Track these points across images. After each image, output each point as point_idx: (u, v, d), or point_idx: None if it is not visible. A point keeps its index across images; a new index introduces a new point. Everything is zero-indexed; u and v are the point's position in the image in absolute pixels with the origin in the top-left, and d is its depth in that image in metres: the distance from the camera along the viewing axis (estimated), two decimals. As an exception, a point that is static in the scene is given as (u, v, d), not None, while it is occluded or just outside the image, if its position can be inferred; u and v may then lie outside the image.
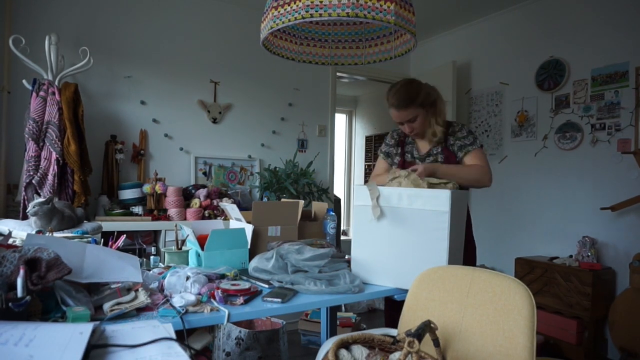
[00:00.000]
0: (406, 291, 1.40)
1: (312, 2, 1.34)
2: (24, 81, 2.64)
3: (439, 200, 1.37)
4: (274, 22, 1.45)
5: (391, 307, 2.02)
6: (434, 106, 1.84)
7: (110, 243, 1.52)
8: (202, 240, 1.56)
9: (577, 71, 3.11)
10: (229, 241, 1.57)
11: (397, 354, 1.06)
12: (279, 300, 1.23)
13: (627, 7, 2.83)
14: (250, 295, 1.25)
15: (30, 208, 1.74)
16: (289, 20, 1.40)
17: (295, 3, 1.38)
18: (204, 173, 3.48)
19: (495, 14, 3.72)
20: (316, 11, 1.35)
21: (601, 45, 2.96)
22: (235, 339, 2.08)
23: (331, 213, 2.02)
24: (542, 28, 3.36)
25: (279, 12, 1.43)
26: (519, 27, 3.54)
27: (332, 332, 1.94)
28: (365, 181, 2.05)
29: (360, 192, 1.49)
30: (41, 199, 1.78)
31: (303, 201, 2.03)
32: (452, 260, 1.39)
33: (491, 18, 3.76)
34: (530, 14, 3.46)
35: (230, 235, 1.58)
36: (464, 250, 1.61)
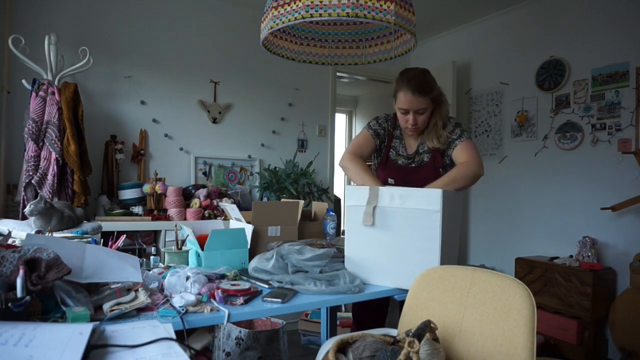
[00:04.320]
0: (403, 291, 1.40)
1: (312, 2, 1.34)
2: (23, 81, 2.64)
3: (431, 199, 1.36)
4: (274, 22, 1.45)
5: (359, 309, 2.02)
6: (441, 107, 1.74)
7: (110, 243, 1.52)
8: (202, 240, 1.56)
9: (577, 71, 3.10)
10: (229, 241, 1.56)
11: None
12: (279, 300, 1.23)
13: (627, 7, 2.83)
14: (250, 295, 1.24)
15: (27, 208, 1.73)
16: (289, 20, 1.40)
17: (295, 3, 1.38)
18: (204, 173, 3.48)
19: (495, 13, 3.71)
20: (316, 11, 1.35)
21: (601, 45, 2.96)
22: (235, 339, 2.08)
23: (331, 213, 2.02)
24: (542, 28, 3.35)
25: (279, 12, 1.43)
26: (519, 27, 3.54)
27: (332, 332, 1.94)
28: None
29: (353, 192, 1.49)
30: (36, 199, 1.78)
31: (303, 201, 2.03)
32: (445, 261, 1.39)
33: (491, 18, 3.76)
34: (530, 14, 3.46)
35: (230, 235, 1.58)
36: None
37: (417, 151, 1.81)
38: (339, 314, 3.19)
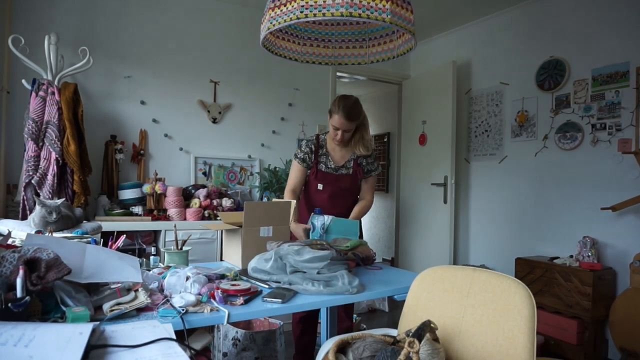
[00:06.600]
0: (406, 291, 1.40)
1: (306, 3, 1.34)
2: (23, 81, 2.64)
3: None
4: (271, 22, 1.45)
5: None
6: (365, 126, 2.26)
7: (110, 243, 1.51)
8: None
9: (577, 71, 3.10)
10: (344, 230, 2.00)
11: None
12: (279, 300, 1.23)
13: (627, 7, 2.83)
14: (250, 295, 1.24)
15: (55, 215, 1.75)
16: (285, 21, 1.40)
17: (290, 4, 1.38)
18: (204, 173, 3.48)
19: (495, 13, 3.71)
20: (311, 11, 1.35)
21: (601, 45, 2.96)
22: (232, 339, 2.08)
23: (317, 212, 1.99)
24: (542, 28, 3.35)
25: (275, 12, 1.43)
26: (519, 27, 3.53)
27: (332, 332, 1.94)
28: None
29: None
30: (58, 201, 1.79)
31: (295, 201, 2.02)
32: None
33: (491, 18, 3.76)
34: (530, 14, 3.46)
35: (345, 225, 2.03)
36: None
37: (343, 165, 2.26)
38: (339, 314, 3.18)
